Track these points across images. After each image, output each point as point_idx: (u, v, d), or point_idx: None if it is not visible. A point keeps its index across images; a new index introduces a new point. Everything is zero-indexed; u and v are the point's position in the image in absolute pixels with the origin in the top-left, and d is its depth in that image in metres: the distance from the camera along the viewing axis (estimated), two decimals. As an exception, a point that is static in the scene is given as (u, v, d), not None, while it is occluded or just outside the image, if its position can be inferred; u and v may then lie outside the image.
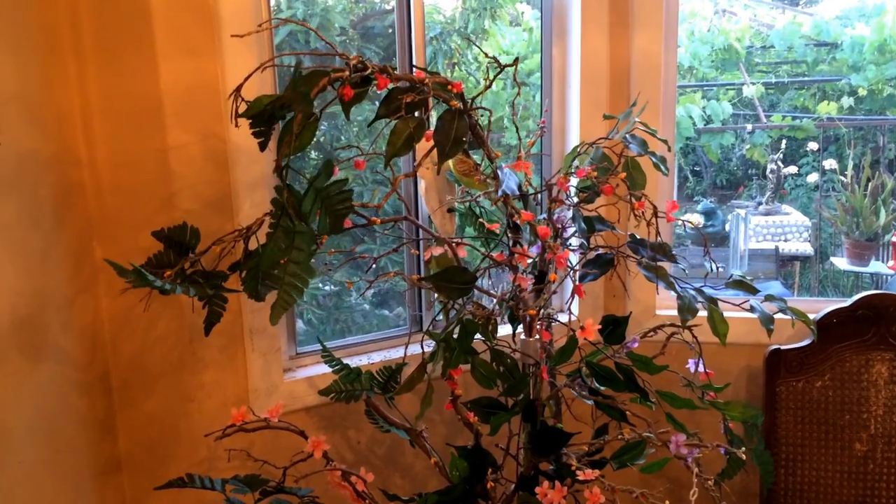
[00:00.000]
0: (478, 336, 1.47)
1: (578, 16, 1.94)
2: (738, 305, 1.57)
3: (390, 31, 3.63)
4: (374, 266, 1.52)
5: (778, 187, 6.46)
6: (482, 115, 1.34)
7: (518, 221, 1.40)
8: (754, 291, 1.63)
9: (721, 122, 5.35)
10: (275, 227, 1.06)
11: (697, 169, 8.14)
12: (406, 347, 1.62)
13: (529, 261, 1.50)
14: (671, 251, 1.55)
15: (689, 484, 1.45)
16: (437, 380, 1.49)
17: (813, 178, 6.58)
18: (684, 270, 1.66)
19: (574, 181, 1.50)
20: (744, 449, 1.46)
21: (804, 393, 1.91)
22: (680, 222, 1.61)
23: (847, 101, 5.46)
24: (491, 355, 1.55)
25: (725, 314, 1.53)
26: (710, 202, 7.09)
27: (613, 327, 1.47)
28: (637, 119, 1.64)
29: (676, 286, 1.52)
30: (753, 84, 5.52)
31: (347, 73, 1.06)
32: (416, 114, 1.23)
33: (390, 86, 1.16)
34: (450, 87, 1.20)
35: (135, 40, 1.52)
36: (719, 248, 6.36)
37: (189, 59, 1.54)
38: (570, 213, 1.52)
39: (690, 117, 5.06)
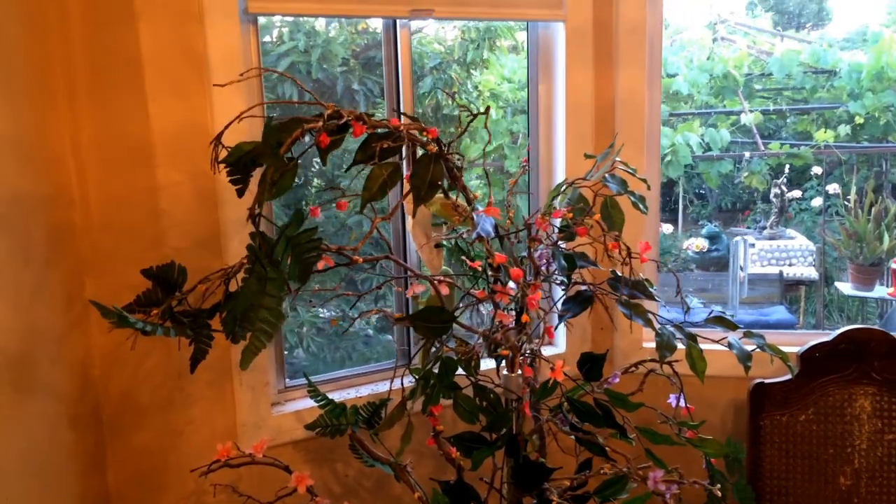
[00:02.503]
0: (461, 372, 1.49)
1: (563, 54, 1.98)
2: (717, 342, 1.59)
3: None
4: (357, 302, 1.55)
5: (782, 212, 6.47)
6: (459, 158, 1.37)
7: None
8: (734, 328, 1.66)
9: (719, 150, 5.39)
10: (249, 272, 1.09)
11: (702, 192, 8.17)
12: (391, 382, 1.64)
13: (510, 298, 1.52)
14: (649, 289, 1.57)
15: (669, 519, 1.46)
16: (420, 415, 1.51)
17: (818, 202, 6.59)
18: (664, 305, 1.69)
19: (556, 221, 1.53)
20: (719, 486, 1.47)
21: (788, 427, 1.92)
22: (658, 261, 1.63)
23: (844, 129, 5.48)
24: (474, 390, 1.57)
25: (710, 347, 1.55)
26: (715, 226, 7.11)
27: (591, 364, 1.49)
28: (618, 158, 1.67)
29: (655, 323, 1.54)
30: (752, 112, 5.56)
31: (321, 122, 1.10)
32: (401, 156, 1.27)
33: (367, 132, 1.20)
34: (425, 133, 1.23)
35: (126, 84, 1.56)
36: (723, 273, 6.37)
37: (179, 101, 1.59)
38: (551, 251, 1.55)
39: (689, 145, 5.09)
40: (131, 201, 1.61)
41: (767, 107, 5.81)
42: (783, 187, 6.27)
